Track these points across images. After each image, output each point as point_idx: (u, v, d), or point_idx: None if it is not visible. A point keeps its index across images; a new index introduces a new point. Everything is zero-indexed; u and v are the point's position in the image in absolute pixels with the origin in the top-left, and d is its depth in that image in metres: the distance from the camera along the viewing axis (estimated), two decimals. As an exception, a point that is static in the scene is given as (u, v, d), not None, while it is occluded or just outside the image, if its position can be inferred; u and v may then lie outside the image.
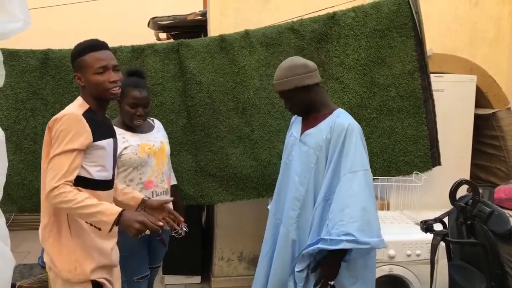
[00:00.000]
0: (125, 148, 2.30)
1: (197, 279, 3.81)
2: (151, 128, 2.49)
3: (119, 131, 2.26)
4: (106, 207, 1.72)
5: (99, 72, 1.81)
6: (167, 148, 2.49)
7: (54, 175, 1.71)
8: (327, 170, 2.09)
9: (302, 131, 2.22)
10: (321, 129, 2.12)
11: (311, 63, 2.14)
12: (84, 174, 1.80)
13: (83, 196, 1.71)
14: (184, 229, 2.44)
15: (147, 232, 1.83)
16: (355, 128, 2.07)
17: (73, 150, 1.73)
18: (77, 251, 1.83)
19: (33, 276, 3.32)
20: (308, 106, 2.16)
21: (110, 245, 1.95)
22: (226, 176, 2.92)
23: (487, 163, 3.68)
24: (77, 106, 1.82)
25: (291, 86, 2.09)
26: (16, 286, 3.23)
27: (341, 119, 2.10)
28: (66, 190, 1.70)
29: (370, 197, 2.02)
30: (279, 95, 2.19)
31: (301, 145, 2.20)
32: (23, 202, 2.86)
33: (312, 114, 2.19)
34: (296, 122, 2.32)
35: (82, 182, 1.79)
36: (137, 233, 1.73)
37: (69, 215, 1.82)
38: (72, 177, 1.74)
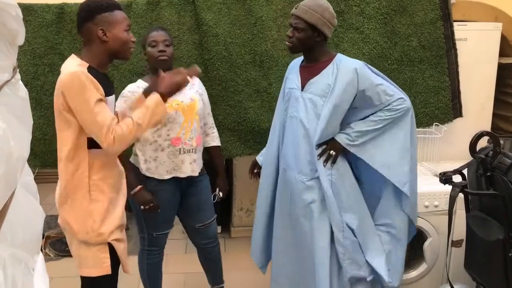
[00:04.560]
0: None
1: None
2: None
3: None
4: (151, 103, 1.81)
5: (127, 30, 1.86)
6: (198, 105, 2.40)
7: (101, 128, 1.73)
8: (343, 112, 2.15)
9: (304, 82, 2.23)
10: (325, 75, 2.15)
11: (335, 21, 2.18)
12: None
13: (129, 120, 1.78)
14: (220, 195, 2.67)
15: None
16: (363, 66, 2.13)
17: (100, 100, 1.75)
18: (95, 214, 1.85)
19: (59, 226, 3.44)
20: (308, 49, 2.18)
21: (122, 206, 1.98)
22: (244, 130, 2.93)
23: (509, 113, 3.60)
24: (77, 66, 1.78)
25: (311, 21, 2.10)
26: (45, 236, 3.37)
27: (343, 62, 2.14)
28: (118, 132, 1.74)
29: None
30: (293, 19, 2.15)
31: (304, 94, 2.20)
32: (45, 157, 2.91)
33: (312, 63, 2.21)
34: (292, 74, 2.31)
35: (94, 143, 1.81)
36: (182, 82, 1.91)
37: (91, 180, 1.84)
38: (114, 119, 1.78)
